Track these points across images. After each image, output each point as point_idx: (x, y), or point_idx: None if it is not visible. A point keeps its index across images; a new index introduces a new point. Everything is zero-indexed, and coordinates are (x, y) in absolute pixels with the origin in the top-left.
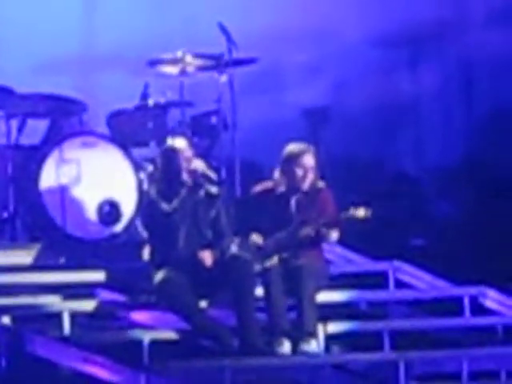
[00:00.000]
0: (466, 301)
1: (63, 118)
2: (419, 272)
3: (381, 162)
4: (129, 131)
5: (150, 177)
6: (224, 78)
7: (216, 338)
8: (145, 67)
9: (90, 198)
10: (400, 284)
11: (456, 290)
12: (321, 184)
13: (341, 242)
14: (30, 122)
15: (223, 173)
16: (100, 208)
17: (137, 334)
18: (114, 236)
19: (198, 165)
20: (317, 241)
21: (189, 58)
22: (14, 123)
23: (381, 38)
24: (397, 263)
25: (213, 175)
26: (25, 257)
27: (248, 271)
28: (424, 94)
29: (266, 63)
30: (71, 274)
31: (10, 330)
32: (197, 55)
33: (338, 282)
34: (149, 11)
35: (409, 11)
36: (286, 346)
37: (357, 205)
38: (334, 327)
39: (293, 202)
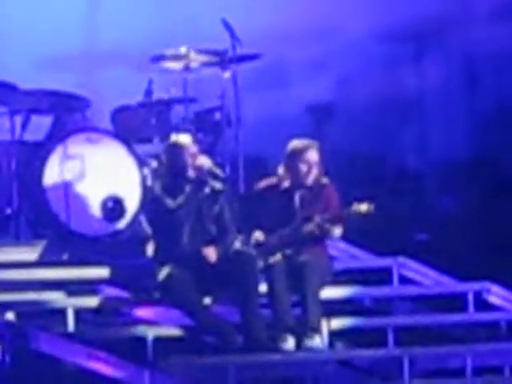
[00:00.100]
0: (470, 296)
1: (67, 114)
2: (423, 268)
3: (385, 158)
4: (132, 127)
5: (154, 173)
6: (228, 74)
7: (220, 335)
8: (148, 63)
9: (93, 194)
10: (404, 280)
11: (460, 286)
12: (325, 180)
13: (345, 237)
14: (34, 118)
15: (227, 169)
16: (104, 204)
17: (141, 330)
18: (118, 232)
19: (205, 161)
20: (320, 237)
21: (192, 54)
22: (18, 119)
23: (385, 34)
24: (401, 259)
25: (219, 172)
26: (29, 253)
27: (252, 267)
28: (428, 89)
29: (269, 59)
30: (75, 270)
31: (15, 326)
32: (200, 51)
33: (341, 277)
34: (152, 7)
35: (413, 7)
36: (290, 342)
37: (360, 200)
38: (338, 323)
39: (297, 197)
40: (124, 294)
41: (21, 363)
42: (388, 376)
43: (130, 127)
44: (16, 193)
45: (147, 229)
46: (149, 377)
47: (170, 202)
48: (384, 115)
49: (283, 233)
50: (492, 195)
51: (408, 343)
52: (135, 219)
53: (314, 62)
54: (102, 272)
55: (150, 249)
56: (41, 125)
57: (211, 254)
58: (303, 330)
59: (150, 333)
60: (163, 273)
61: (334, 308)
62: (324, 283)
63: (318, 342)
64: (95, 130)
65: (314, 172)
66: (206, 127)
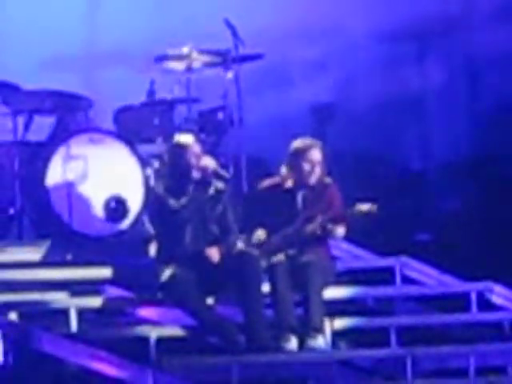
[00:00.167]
0: (473, 296)
1: (69, 115)
2: (426, 268)
3: (387, 158)
4: (135, 127)
5: (157, 173)
6: (230, 74)
7: (223, 335)
8: (151, 63)
9: (96, 195)
10: (407, 280)
11: (463, 286)
12: (328, 179)
13: (347, 237)
14: (37, 119)
15: (230, 169)
16: (106, 204)
17: (144, 330)
18: (121, 232)
19: (209, 162)
20: (323, 237)
21: (195, 55)
22: (21, 120)
23: (387, 34)
24: (403, 259)
25: (224, 173)
26: (32, 253)
27: (255, 267)
28: (430, 89)
29: (272, 59)
30: (78, 270)
31: (17, 327)
32: (203, 51)
33: (344, 277)
34: (155, 7)
35: (415, 7)
36: (292, 342)
37: (363, 201)
38: (340, 323)
39: (299, 197)
40: (127, 294)
41: (24, 363)
42: (391, 376)
43: (132, 127)
44: (19, 193)
45: (150, 229)
46: (152, 377)
47: (173, 203)
48: (386, 115)
49: (286, 232)
50: (494, 195)
51: (411, 343)
52: (138, 219)
53: (316, 62)
54: (105, 272)
55: (152, 249)
56: (43, 125)
57: (214, 254)
58: (306, 330)
59: (153, 333)
60: (166, 273)
61: (336, 308)
62: (327, 283)
63: (321, 342)
64: (98, 130)
65: (317, 171)
66: (209, 127)
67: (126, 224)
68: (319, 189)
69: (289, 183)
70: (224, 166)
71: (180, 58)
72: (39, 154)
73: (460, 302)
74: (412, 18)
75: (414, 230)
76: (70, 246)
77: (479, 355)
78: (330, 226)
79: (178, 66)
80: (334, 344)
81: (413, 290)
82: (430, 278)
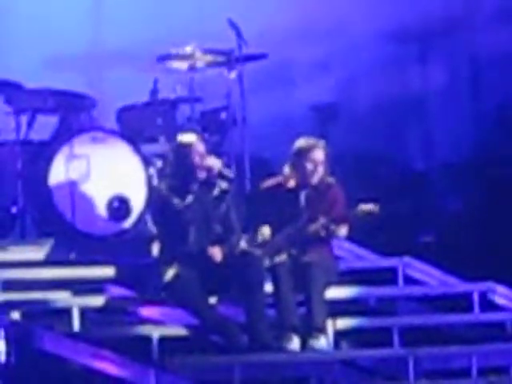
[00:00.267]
0: (476, 297)
1: (73, 114)
2: (428, 268)
3: (389, 159)
4: (138, 127)
5: (160, 172)
6: (233, 74)
7: (225, 334)
8: (154, 63)
9: (99, 194)
10: (409, 280)
11: (465, 286)
12: (330, 179)
13: (350, 237)
14: (40, 118)
15: (233, 168)
16: (109, 204)
17: (146, 329)
18: (124, 232)
19: (214, 162)
20: (326, 236)
21: (198, 54)
22: (24, 119)
23: (389, 35)
24: (406, 259)
25: (229, 173)
26: (34, 252)
27: (257, 267)
28: (432, 90)
29: (275, 59)
30: (80, 269)
31: (20, 326)
32: (206, 51)
33: (347, 277)
34: (158, 7)
35: (417, 7)
36: (295, 342)
37: (365, 201)
38: (343, 323)
39: (302, 196)
40: (129, 294)
41: (26, 362)
42: (393, 376)
43: (135, 127)
44: (21, 192)
45: (153, 228)
46: (154, 376)
47: (177, 202)
48: (388, 116)
49: (288, 232)
50: (497, 195)
51: (413, 343)
52: (141, 219)
53: (319, 62)
54: (108, 271)
55: (155, 248)
56: (46, 124)
57: (217, 253)
58: (308, 329)
59: (156, 332)
60: (169, 272)
61: (339, 308)
62: (329, 283)
63: (323, 342)
64: (101, 129)
65: (320, 171)
66: (212, 127)
67: (128, 223)
68: (322, 189)
69: (291, 183)
70: (227, 166)
71: (183, 57)
72: (42, 154)
73: (462, 302)
74: (414, 19)
75: (416, 231)
76: (73, 245)
77: (481, 355)
78: (332, 226)
79: (182, 65)
80: (336, 344)
81: (415, 290)
82: (433, 279)
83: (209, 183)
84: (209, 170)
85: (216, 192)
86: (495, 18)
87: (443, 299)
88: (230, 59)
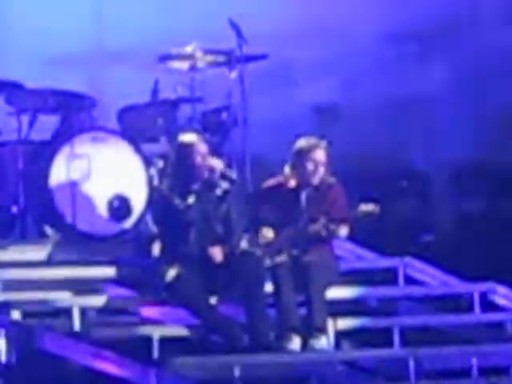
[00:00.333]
0: (476, 297)
1: (73, 114)
2: (429, 268)
3: (391, 159)
4: (139, 127)
5: (161, 172)
6: (234, 74)
7: (226, 334)
8: (155, 63)
9: (100, 194)
10: (410, 280)
11: (466, 287)
12: (331, 179)
13: (351, 238)
14: (41, 118)
15: (233, 168)
16: (110, 203)
17: (147, 329)
18: (124, 232)
19: (217, 164)
20: (326, 237)
21: (199, 54)
22: (25, 118)
23: (391, 35)
24: (407, 259)
25: (231, 174)
26: (35, 252)
27: (258, 267)
28: (434, 90)
29: (276, 59)
30: (81, 269)
31: (21, 326)
32: (207, 51)
33: (348, 278)
34: (159, 7)
35: (420, 8)
36: (295, 342)
37: (365, 201)
38: (343, 323)
39: (303, 196)
40: (130, 294)
41: (27, 362)
42: (393, 376)
43: (136, 127)
44: (22, 192)
45: (153, 228)
46: (155, 376)
47: (178, 203)
48: (390, 116)
49: (289, 232)
50: (498, 196)
51: (414, 343)
52: (141, 219)
53: (320, 62)
54: (108, 271)
55: (156, 248)
56: (47, 124)
57: (217, 253)
58: (309, 330)
59: (156, 332)
60: (170, 272)
61: (339, 308)
62: (330, 283)
63: (324, 342)
64: (102, 129)
65: (321, 171)
66: (213, 127)
67: (129, 223)
68: (323, 189)
69: (292, 183)
70: (228, 166)
71: (184, 57)
72: (43, 153)
73: (463, 302)
74: (417, 19)
75: (417, 231)
76: (73, 245)
77: (482, 356)
78: (333, 226)
79: (182, 65)
80: (336, 344)
81: (416, 290)
82: (433, 279)
83: (211, 184)
84: (211, 170)
85: (218, 193)
86: (497, 18)
87: (444, 299)
88: (230, 59)
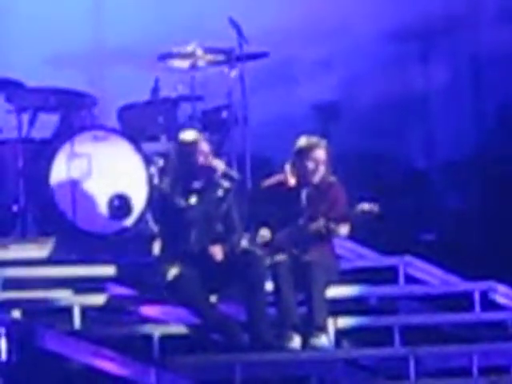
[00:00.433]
0: (477, 296)
1: (74, 112)
2: (429, 267)
3: (391, 157)
4: (139, 125)
5: (161, 171)
6: (235, 73)
7: (226, 333)
8: (155, 61)
9: (100, 192)
10: (410, 279)
11: (466, 285)
12: (332, 178)
13: (352, 236)
14: (41, 116)
15: (234, 167)
16: (110, 202)
17: (147, 328)
18: (124, 230)
19: (219, 164)
20: (327, 235)
21: (199, 53)
22: (25, 117)
23: (392, 34)
24: (407, 258)
25: (234, 174)
26: (35, 251)
27: (258, 266)
28: (434, 89)
29: (276, 58)
30: (81, 268)
31: (21, 324)
32: (207, 49)
33: (348, 276)
34: (159, 5)
35: (419, 6)
36: (296, 341)
37: (365, 200)
38: (344, 322)
39: (303, 195)
40: (130, 292)
41: (27, 361)
42: (394, 375)
43: (136, 125)
44: (23, 191)
45: (154, 227)
46: (155, 375)
47: (180, 202)
48: (390, 115)
49: (290, 231)
50: (498, 194)
51: (414, 342)
52: (142, 217)
53: (320, 61)
54: (109, 270)
55: (156, 247)
56: (48, 123)
57: (218, 252)
58: (309, 328)
59: (157, 331)
60: (170, 271)
61: (340, 307)
62: (330, 282)
63: (325, 340)
64: (102, 128)
65: (321, 170)
66: (213, 125)
67: (129, 222)
68: (323, 187)
69: (293, 182)
70: (228, 165)
71: (184, 56)
72: (43, 152)
73: (463, 301)
74: (416, 18)
75: (417, 230)
76: (74, 244)
77: (482, 355)
78: (333, 225)
79: (183, 64)
80: (337, 343)
81: (416, 289)
82: (434, 278)
83: (212, 183)
84: (213, 169)
85: (220, 192)
86: (497, 17)
87: (444, 298)
88: (231, 58)
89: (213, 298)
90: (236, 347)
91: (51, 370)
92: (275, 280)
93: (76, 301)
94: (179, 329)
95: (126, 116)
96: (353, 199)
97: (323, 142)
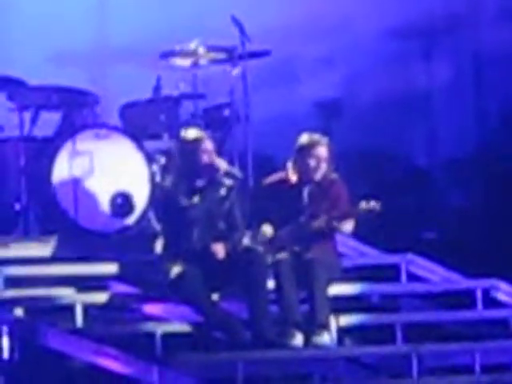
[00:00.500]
0: (479, 294)
1: (76, 110)
2: (431, 265)
3: (393, 155)
4: (141, 123)
5: (164, 169)
6: (237, 71)
7: (228, 331)
8: (157, 59)
9: (102, 191)
10: (412, 277)
11: (468, 283)
12: (334, 176)
13: (354, 234)
14: (43, 114)
15: (236, 165)
16: (112, 200)
17: (149, 326)
18: (127, 228)
19: (222, 164)
20: (329, 233)
21: (201, 51)
22: (27, 115)
23: (393, 31)
24: (409, 256)
25: (237, 173)
26: (38, 249)
27: (260, 264)
28: (436, 86)
29: (278, 56)
30: (84, 266)
31: (23, 322)
32: (209, 48)
33: (350, 274)
34: (162, 3)
35: (421, 4)
36: (298, 339)
37: (368, 198)
38: (346, 320)
39: (305, 193)
40: (133, 290)
41: (30, 359)
42: (396, 373)
43: (138, 123)
44: (25, 189)
45: (156, 225)
46: (157, 373)
47: (182, 200)
48: (392, 112)
49: (291, 228)
50: (500, 192)
51: (416, 340)
52: (144, 215)
53: (322, 58)
54: (111, 268)
55: (159, 245)
56: (50, 121)
57: (220, 250)
58: (311, 326)
59: (159, 329)
60: (173, 269)
61: (342, 304)
62: (332, 280)
63: (326, 338)
64: (104, 126)
65: (323, 168)
66: (215, 124)
67: (132, 220)
68: (325, 185)
69: (294, 179)
70: (230, 163)
71: (186, 54)
72: (45, 150)
73: (465, 299)
74: (418, 16)
75: (419, 228)
76: (76, 242)
77: (484, 352)
78: (335, 223)
79: (185, 62)
80: (339, 341)
81: (418, 287)
82: (436, 275)
83: (215, 181)
84: (216, 168)
85: (222, 191)
86: (499, 15)
87: (446, 296)
88: (233, 56)
89: (215, 296)
90: (238, 345)
91: (53, 368)
92: (277, 278)
93: (78, 299)
94: (182, 327)
95: (128, 114)
96: (354, 197)
97: (325, 140)
